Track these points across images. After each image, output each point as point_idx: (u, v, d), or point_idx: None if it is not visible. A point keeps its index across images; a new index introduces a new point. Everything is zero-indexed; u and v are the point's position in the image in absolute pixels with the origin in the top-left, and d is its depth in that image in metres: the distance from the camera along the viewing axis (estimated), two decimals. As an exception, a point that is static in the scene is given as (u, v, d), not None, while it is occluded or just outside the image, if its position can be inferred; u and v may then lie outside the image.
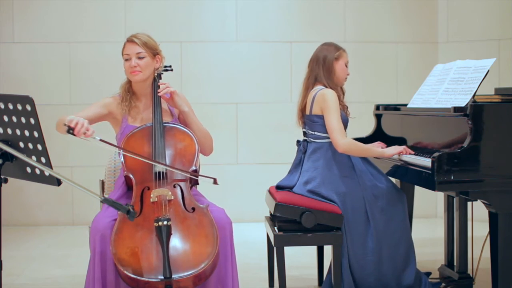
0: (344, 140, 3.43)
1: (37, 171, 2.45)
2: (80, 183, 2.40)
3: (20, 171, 2.49)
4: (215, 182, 2.81)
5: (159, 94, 3.11)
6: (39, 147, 2.41)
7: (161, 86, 3.13)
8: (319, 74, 3.60)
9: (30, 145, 2.43)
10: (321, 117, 3.53)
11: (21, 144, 2.44)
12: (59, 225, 5.89)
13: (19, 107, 2.38)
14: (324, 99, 3.49)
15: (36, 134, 2.40)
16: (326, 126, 3.50)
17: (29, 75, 5.87)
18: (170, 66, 3.32)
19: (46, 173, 2.41)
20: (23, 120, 2.40)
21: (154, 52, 3.15)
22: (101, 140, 2.73)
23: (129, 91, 3.18)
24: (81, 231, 4.96)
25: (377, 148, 3.65)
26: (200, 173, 2.97)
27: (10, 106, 2.40)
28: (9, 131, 2.45)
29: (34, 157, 2.42)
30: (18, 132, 2.43)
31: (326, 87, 3.56)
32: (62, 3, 5.89)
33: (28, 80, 5.85)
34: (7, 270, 4.01)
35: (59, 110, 5.82)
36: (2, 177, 2.41)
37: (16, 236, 5.42)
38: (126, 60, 3.12)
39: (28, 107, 2.36)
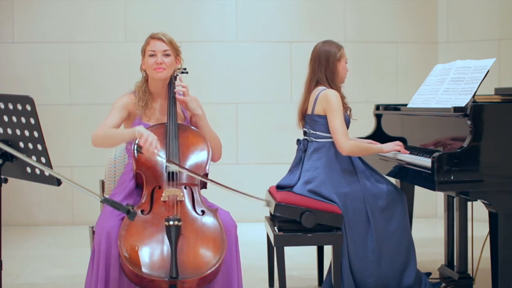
0: (348, 143, 3.43)
1: (37, 171, 2.45)
2: (80, 183, 2.40)
3: (20, 171, 2.49)
4: (267, 204, 2.81)
5: (175, 90, 3.12)
6: (39, 147, 2.41)
7: (177, 86, 3.14)
8: (322, 77, 3.58)
9: (30, 145, 2.43)
10: (323, 117, 3.52)
11: (21, 144, 2.44)
12: (59, 225, 5.89)
13: (19, 107, 2.38)
14: (327, 100, 3.48)
15: (36, 134, 2.40)
16: (329, 128, 3.49)
17: (29, 75, 5.87)
18: (185, 69, 3.32)
19: (46, 173, 2.41)
20: (23, 120, 2.40)
21: (177, 53, 3.17)
22: (168, 160, 2.84)
23: (146, 91, 3.17)
24: (81, 231, 4.95)
25: (375, 145, 3.64)
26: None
27: (10, 106, 2.40)
28: (9, 131, 2.45)
29: (34, 157, 2.42)
30: (18, 132, 2.43)
31: (328, 88, 3.55)
32: (62, 3, 5.89)
33: (28, 80, 5.84)
34: (7, 270, 4.00)
35: (59, 110, 5.84)
36: (2, 177, 2.41)
37: (16, 236, 5.42)
38: (151, 56, 3.11)
39: (28, 107, 2.36)
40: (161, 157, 2.81)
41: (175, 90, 3.13)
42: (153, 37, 3.15)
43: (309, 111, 3.59)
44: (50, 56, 5.89)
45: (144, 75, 3.19)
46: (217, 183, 2.86)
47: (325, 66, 3.57)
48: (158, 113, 3.17)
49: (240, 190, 2.86)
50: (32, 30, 5.87)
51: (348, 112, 3.62)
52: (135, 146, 2.78)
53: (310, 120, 3.59)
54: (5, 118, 2.43)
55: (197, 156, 3.04)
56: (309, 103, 3.59)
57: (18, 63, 5.88)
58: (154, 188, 2.89)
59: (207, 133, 3.17)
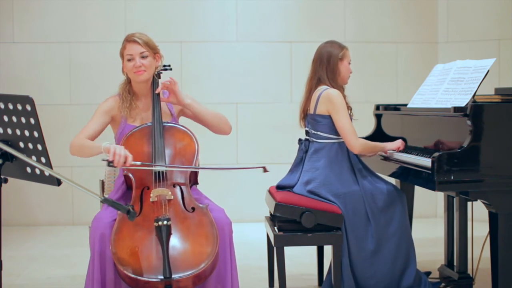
0: (358, 142, 3.45)
1: (37, 171, 2.45)
2: (80, 183, 2.41)
3: (20, 171, 2.49)
4: (265, 170, 2.79)
5: (156, 92, 3.11)
6: (39, 147, 2.41)
7: (160, 87, 3.14)
8: (323, 76, 3.57)
9: (30, 145, 2.43)
10: (326, 117, 3.52)
11: (21, 144, 2.44)
12: (59, 225, 5.89)
13: (19, 107, 2.38)
14: (331, 99, 3.48)
15: (36, 134, 2.40)
16: (337, 128, 3.49)
17: (29, 75, 5.87)
18: (169, 65, 3.32)
19: (46, 173, 2.41)
20: (23, 120, 2.40)
21: (155, 51, 3.16)
22: (142, 164, 2.82)
23: (129, 92, 3.18)
24: (81, 231, 4.96)
25: (379, 143, 3.66)
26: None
27: (10, 106, 2.40)
28: (9, 131, 2.45)
29: (34, 157, 2.42)
30: (18, 132, 2.43)
31: (330, 87, 3.55)
32: (62, 3, 5.89)
33: (28, 80, 5.84)
34: (7, 270, 4.01)
35: (59, 110, 5.84)
36: (2, 177, 2.41)
37: (16, 236, 5.42)
38: (129, 60, 3.12)
39: (28, 107, 2.36)
40: (135, 163, 2.79)
41: (156, 92, 3.11)
42: (128, 40, 3.14)
43: (311, 111, 3.59)
44: (50, 56, 5.89)
45: (126, 77, 3.21)
46: (204, 168, 2.86)
47: (326, 65, 3.57)
48: (143, 112, 3.18)
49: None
50: (32, 30, 5.87)
51: (350, 112, 3.61)
52: (107, 163, 2.75)
53: (312, 119, 3.59)
54: (5, 118, 2.43)
55: (184, 153, 3.04)
56: (311, 102, 3.59)
57: (18, 63, 5.88)
58: (143, 189, 2.90)
59: (207, 115, 3.18)
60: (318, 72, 3.59)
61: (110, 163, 2.75)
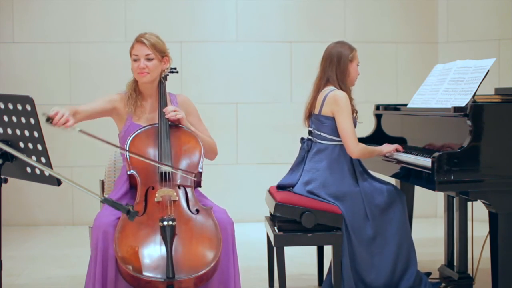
0: (358, 147, 3.45)
1: (37, 171, 2.45)
2: (80, 183, 2.41)
3: (20, 171, 2.49)
4: (195, 176, 2.82)
5: (166, 117, 3.06)
6: (39, 147, 2.41)
7: (169, 109, 3.08)
8: (332, 76, 3.56)
9: (30, 145, 2.43)
10: (330, 119, 3.51)
11: (21, 144, 2.45)
12: (59, 225, 5.89)
13: (19, 107, 2.38)
14: (336, 101, 3.47)
15: (36, 134, 2.40)
16: (338, 130, 3.48)
17: (29, 75, 5.87)
18: (176, 68, 3.32)
19: (46, 173, 2.42)
20: (23, 120, 2.40)
21: (162, 54, 3.16)
22: (80, 131, 2.68)
23: (135, 90, 3.18)
24: (81, 231, 4.96)
25: (377, 148, 3.65)
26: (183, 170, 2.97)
27: (10, 106, 2.40)
28: (9, 131, 2.45)
29: (34, 157, 2.43)
30: (18, 132, 2.43)
31: (337, 88, 3.54)
32: (62, 3, 5.89)
33: (28, 80, 5.84)
34: (7, 270, 4.01)
35: (59, 110, 5.83)
36: (2, 177, 2.41)
37: (16, 236, 5.42)
38: (135, 60, 3.12)
39: (28, 107, 2.36)
40: (74, 129, 2.70)
41: (166, 117, 3.06)
42: (137, 39, 3.14)
43: (316, 111, 3.58)
44: (50, 56, 5.89)
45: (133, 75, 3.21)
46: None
47: (336, 66, 3.55)
48: (148, 112, 3.18)
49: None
50: (32, 30, 5.87)
51: (355, 115, 3.60)
52: (46, 118, 2.59)
53: (316, 120, 3.58)
54: (5, 118, 2.44)
55: (189, 156, 3.04)
56: (317, 103, 3.58)
57: (18, 63, 5.88)
58: (147, 189, 2.90)
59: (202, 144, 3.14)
60: (327, 72, 3.58)
61: (48, 119, 2.61)
